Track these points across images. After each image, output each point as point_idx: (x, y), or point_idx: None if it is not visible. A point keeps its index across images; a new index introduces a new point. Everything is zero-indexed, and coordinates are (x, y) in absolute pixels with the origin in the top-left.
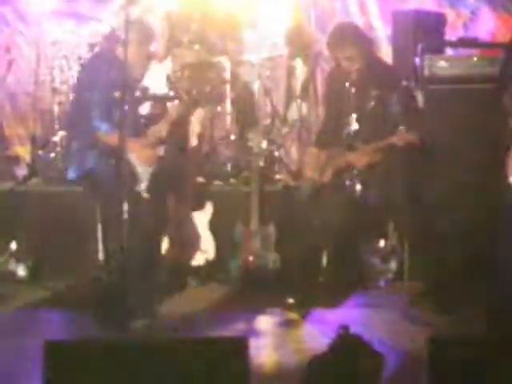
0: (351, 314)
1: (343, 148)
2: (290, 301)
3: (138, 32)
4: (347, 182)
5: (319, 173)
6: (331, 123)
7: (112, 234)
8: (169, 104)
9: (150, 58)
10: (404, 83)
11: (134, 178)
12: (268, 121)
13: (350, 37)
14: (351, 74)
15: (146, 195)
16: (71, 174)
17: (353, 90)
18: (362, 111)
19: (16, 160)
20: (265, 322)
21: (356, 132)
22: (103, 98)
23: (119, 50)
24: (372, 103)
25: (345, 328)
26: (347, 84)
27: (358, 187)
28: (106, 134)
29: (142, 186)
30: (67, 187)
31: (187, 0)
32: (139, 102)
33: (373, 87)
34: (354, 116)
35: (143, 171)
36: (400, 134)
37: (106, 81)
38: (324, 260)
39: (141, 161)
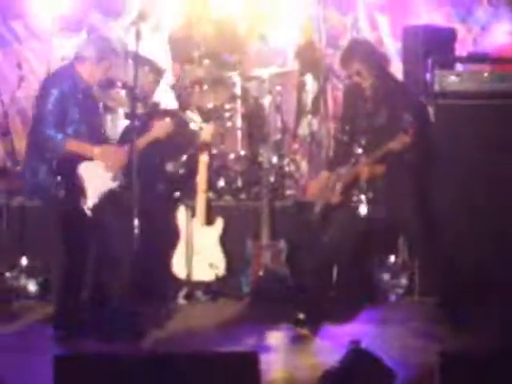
0: (362, 330)
1: (350, 165)
2: (301, 316)
3: (96, 49)
4: (355, 198)
5: (329, 192)
6: (342, 142)
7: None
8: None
9: (107, 73)
10: (416, 99)
11: (81, 193)
12: (278, 136)
13: (361, 53)
14: (365, 90)
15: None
16: (26, 187)
17: (364, 106)
18: (373, 128)
19: None
20: (275, 338)
21: (365, 148)
22: (56, 108)
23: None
24: (383, 119)
25: (356, 343)
26: (360, 100)
27: (366, 202)
28: (63, 141)
29: (89, 203)
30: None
31: (197, 16)
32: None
33: (384, 103)
34: (364, 133)
35: (95, 188)
36: (395, 138)
37: (60, 91)
38: (334, 275)
39: (109, 166)
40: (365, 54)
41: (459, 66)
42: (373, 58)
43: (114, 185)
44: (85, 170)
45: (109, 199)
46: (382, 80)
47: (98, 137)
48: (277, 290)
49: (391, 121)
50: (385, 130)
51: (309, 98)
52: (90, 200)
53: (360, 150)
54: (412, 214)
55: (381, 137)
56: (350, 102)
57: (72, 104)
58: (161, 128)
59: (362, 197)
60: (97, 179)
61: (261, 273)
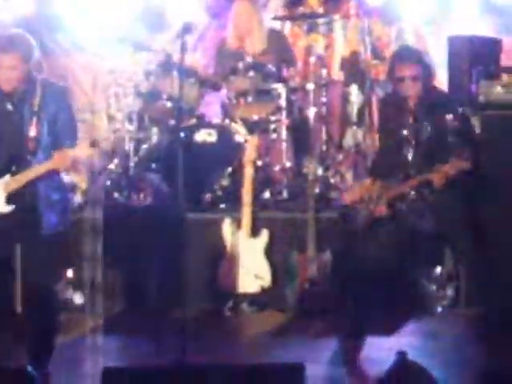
0: (408, 342)
1: (399, 177)
2: (346, 328)
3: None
4: (402, 211)
5: (374, 204)
6: (386, 152)
7: None
8: None
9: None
10: (461, 110)
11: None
12: (323, 147)
13: (418, 57)
14: (409, 98)
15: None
16: None
17: (409, 116)
18: (418, 139)
19: (73, 187)
20: (321, 349)
21: (412, 161)
22: None
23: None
24: (428, 131)
25: (402, 354)
26: (404, 110)
27: (413, 214)
28: None
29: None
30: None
31: (243, 27)
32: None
33: (429, 114)
34: (410, 144)
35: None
36: (452, 162)
37: None
38: (380, 287)
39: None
40: (418, 60)
41: (505, 77)
42: (426, 65)
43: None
44: None
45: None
46: (428, 90)
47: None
48: (322, 302)
49: (437, 135)
50: (432, 144)
51: (354, 109)
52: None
53: (408, 161)
54: (460, 225)
55: (428, 151)
56: (392, 112)
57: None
58: None
59: (409, 208)
60: None
61: (306, 285)
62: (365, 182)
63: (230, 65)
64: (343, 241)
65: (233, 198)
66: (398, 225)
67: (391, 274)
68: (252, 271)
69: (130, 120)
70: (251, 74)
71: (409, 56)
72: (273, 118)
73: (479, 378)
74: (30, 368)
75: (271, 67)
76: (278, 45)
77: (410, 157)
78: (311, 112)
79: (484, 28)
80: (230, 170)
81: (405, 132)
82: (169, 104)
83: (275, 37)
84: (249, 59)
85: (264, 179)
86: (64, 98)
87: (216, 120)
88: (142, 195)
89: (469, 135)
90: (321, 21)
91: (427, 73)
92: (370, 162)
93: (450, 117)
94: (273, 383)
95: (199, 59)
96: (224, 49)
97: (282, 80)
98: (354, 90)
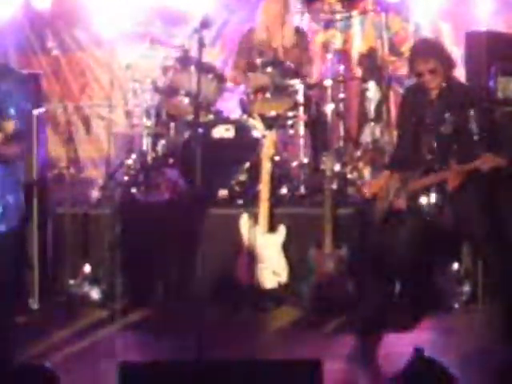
0: (425, 337)
1: (419, 171)
2: (364, 324)
3: None
4: (421, 204)
5: (393, 196)
6: (406, 144)
7: None
8: None
9: None
10: (483, 104)
11: None
12: (341, 143)
13: (436, 50)
14: (430, 91)
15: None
16: None
17: (431, 109)
18: (440, 132)
19: (90, 183)
20: (338, 345)
21: (435, 154)
22: None
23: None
24: (450, 125)
25: (419, 351)
26: (425, 103)
27: (433, 211)
28: None
29: None
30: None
31: (275, 19)
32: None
33: (451, 107)
34: (431, 138)
35: None
36: (485, 157)
37: None
38: (398, 282)
39: None
40: (440, 51)
41: None
42: (445, 57)
43: None
44: None
45: None
46: (450, 83)
47: None
48: (339, 298)
49: (460, 128)
50: (455, 136)
51: (371, 106)
52: None
53: (430, 157)
54: (479, 222)
55: (452, 145)
56: (413, 104)
57: None
58: None
59: (429, 203)
60: None
61: (324, 280)
62: (384, 175)
63: (252, 58)
64: (361, 235)
65: (250, 194)
66: (417, 220)
67: (409, 269)
68: (269, 267)
69: (148, 116)
70: (269, 69)
71: (426, 50)
72: (290, 114)
73: (496, 374)
74: (48, 364)
75: (289, 63)
76: (302, 43)
77: (431, 150)
78: (329, 108)
79: (501, 24)
80: (247, 165)
81: (426, 124)
82: (186, 100)
83: (300, 34)
84: (266, 56)
85: (281, 175)
86: None
87: (234, 116)
88: (159, 191)
89: (492, 131)
90: (338, 17)
91: (446, 65)
92: (388, 157)
93: (471, 110)
94: (290, 379)
95: (218, 54)
96: (248, 41)
97: (300, 76)
98: (371, 86)
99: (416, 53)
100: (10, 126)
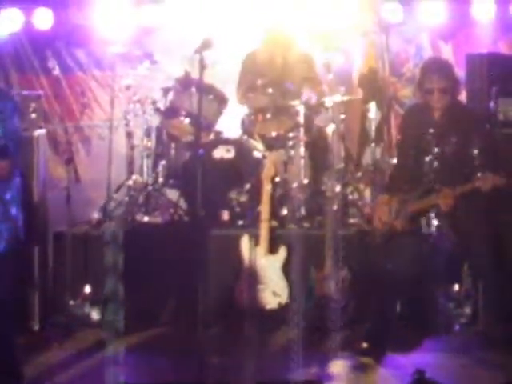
0: (426, 359)
1: (419, 191)
2: (364, 345)
3: None
4: (421, 225)
5: (393, 218)
6: (406, 166)
7: None
8: None
9: None
10: (485, 126)
11: None
12: (342, 164)
13: (448, 70)
14: (434, 112)
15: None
16: None
17: (434, 129)
18: (442, 153)
19: (91, 204)
20: (338, 366)
21: (435, 175)
22: None
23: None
24: (452, 145)
25: (420, 372)
26: (428, 123)
27: (433, 231)
28: None
29: None
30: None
31: (269, 44)
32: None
33: (454, 128)
34: (433, 158)
35: None
36: (484, 177)
37: None
38: (398, 303)
39: None
40: (451, 73)
41: None
42: (455, 79)
43: None
44: None
45: None
46: (455, 104)
47: None
48: (340, 319)
49: (462, 149)
50: (456, 158)
51: (372, 127)
52: None
53: (431, 175)
54: (480, 242)
55: (454, 165)
56: (415, 124)
57: None
58: None
59: (429, 224)
60: None
61: (324, 301)
62: (383, 198)
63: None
64: (361, 257)
65: (251, 215)
66: (417, 241)
67: (409, 290)
68: (270, 288)
69: (149, 136)
70: (270, 90)
71: (439, 68)
72: (291, 135)
73: None
74: None
75: (289, 84)
76: (307, 64)
77: (432, 170)
78: (329, 129)
79: (503, 46)
80: (248, 186)
81: (428, 144)
82: (187, 120)
83: (305, 57)
84: (267, 77)
85: (282, 196)
86: None
87: (234, 136)
88: (160, 212)
89: (494, 152)
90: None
91: (455, 87)
92: (387, 179)
93: (474, 133)
94: None
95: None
96: (250, 61)
97: (301, 97)
98: (372, 106)
99: (428, 70)
100: None
